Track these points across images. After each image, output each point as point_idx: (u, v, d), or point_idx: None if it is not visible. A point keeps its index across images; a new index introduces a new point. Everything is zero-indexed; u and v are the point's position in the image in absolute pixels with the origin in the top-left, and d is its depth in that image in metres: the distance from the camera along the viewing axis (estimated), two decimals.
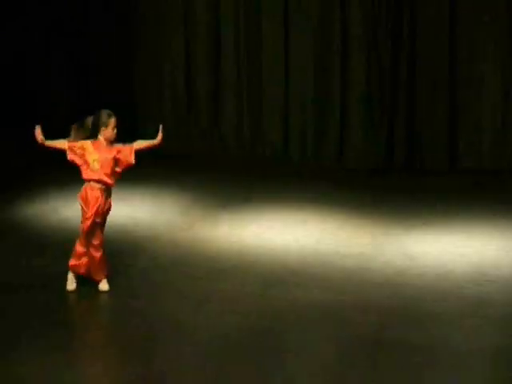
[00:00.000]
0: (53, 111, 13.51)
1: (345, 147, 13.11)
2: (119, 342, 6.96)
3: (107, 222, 7.92)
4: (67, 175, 11.75)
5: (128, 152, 7.73)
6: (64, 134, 7.80)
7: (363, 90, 12.87)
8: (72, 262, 7.85)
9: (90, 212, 7.69)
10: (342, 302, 7.72)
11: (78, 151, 7.68)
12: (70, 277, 7.90)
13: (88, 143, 7.70)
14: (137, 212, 10.49)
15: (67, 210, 10.17)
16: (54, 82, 14.00)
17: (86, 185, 7.75)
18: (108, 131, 7.69)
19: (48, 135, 7.75)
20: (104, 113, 7.71)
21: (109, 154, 7.69)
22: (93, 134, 7.73)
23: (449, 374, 6.35)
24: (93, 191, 7.71)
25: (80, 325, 7.54)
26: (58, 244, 8.91)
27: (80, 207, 7.80)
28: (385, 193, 11.49)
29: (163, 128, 7.85)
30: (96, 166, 7.67)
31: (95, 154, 7.68)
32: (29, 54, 13.98)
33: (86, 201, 7.72)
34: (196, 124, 13.84)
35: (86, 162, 7.68)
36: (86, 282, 7.91)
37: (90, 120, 7.74)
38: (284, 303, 7.70)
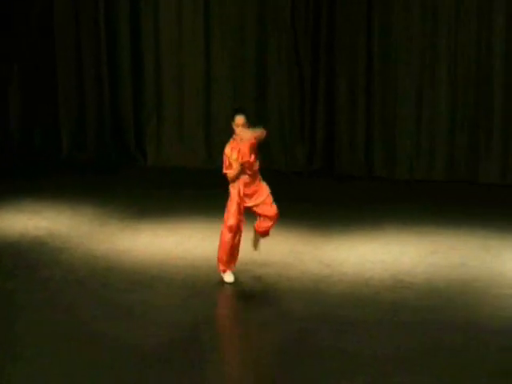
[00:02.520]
0: None
1: (265, 151, 13.21)
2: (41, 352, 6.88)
3: None
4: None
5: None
6: None
7: (285, 97, 13.03)
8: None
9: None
10: (262, 311, 7.76)
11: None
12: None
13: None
14: (54, 224, 10.35)
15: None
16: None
17: None
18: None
19: None
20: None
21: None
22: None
23: (365, 380, 6.44)
24: None
25: None
26: None
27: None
28: (304, 199, 11.56)
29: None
30: None
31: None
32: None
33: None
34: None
35: None
36: None
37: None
38: (205, 314, 7.71)
